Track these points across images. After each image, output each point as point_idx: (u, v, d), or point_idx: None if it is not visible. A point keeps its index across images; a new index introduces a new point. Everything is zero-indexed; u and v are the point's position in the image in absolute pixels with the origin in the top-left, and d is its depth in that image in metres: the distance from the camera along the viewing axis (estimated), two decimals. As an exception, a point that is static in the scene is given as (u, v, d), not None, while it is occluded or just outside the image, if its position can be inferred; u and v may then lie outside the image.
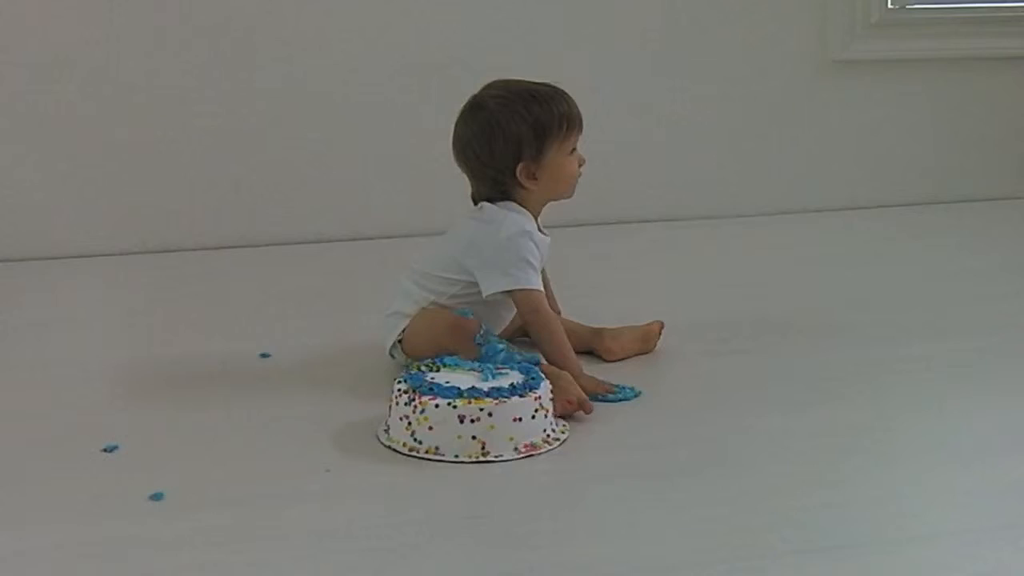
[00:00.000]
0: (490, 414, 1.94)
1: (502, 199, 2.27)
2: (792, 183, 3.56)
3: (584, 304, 2.47)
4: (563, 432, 2.04)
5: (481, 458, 1.94)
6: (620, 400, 2.17)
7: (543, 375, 2.07)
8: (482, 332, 2.19)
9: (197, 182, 3.18)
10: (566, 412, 2.09)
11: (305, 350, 2.45)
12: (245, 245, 3.19)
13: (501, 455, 1.95)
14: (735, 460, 1.98)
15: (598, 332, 2.39)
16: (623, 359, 2.37)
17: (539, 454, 1.97)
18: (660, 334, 2.43)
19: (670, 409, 2.18)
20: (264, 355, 2.41)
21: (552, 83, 2.29)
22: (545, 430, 2.00)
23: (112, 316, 2.73)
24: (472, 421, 1.94)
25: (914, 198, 3.64)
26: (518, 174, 2.24)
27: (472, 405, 1.94)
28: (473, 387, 1.98)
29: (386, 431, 2.02)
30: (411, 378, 2.02)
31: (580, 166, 2.29)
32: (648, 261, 3.13)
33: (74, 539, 1.71)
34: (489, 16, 3.25)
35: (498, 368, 2.07)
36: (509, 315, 2.31)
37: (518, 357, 2.16)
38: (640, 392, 2.20)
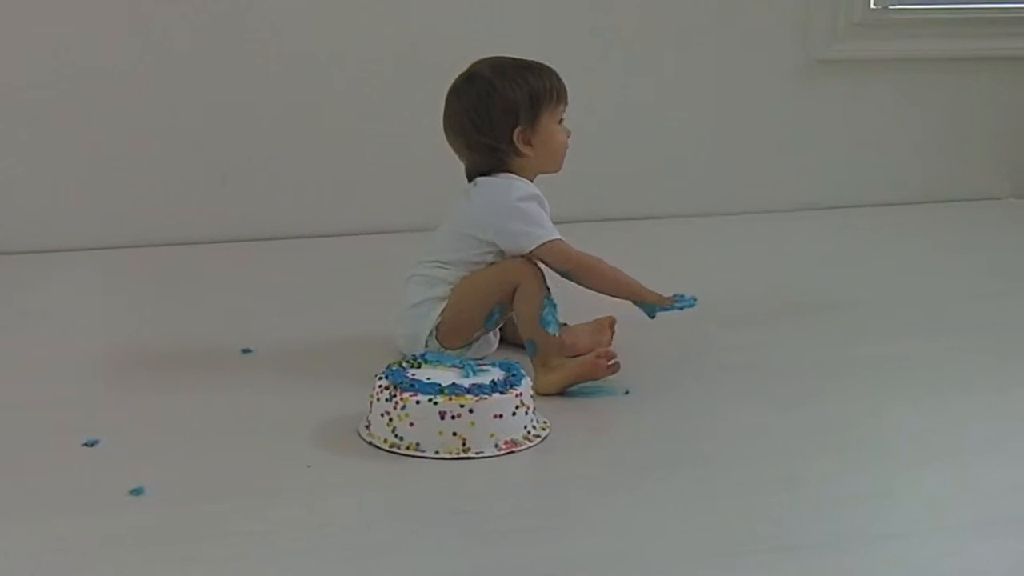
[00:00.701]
0: (471, 411, 1.94)
1: (499, 170, 2.29)
2: (776, 182, 3.57)
3: (572, 301, 2.46)
4: (544, 429, 2.04)
5: (462, 455, 1.94)
6: (683, 308, 2.27)
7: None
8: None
9: (187, 178, 3.17)
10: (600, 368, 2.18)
11: (286, 346, 2.44)
12: (229, 240, 3.18)
13: (482, 451, 1.95)
14: (717, 456, 1.99)
15: None
16: (579, 355, 2.31)
17: (520, 451, 1.97)
18: (612, 328, 2.42)
19: (652, 405, 2.18)
20: (246, 351, 2.41)
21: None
22: (526, 427, 2.00)
23: (96, 311, 2.72)
24: (453, 417, 1.94)
25: (895, 198, 3.65)
26: (516, 140, 2.26)
27: (453, 401, 1.95)
28: (454, 383, 1.98)
29: (367, 427, 2.02)
30: (392, 374, 2.02)
31: (567, 138, 2.32)
32: (635, 259, 3.11)
33: (52, 534, 1.70)
34: (489, 15, 3.25)
35: (479, 365, 2.07)
36: None
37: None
38: (696, 300, 2.28)
